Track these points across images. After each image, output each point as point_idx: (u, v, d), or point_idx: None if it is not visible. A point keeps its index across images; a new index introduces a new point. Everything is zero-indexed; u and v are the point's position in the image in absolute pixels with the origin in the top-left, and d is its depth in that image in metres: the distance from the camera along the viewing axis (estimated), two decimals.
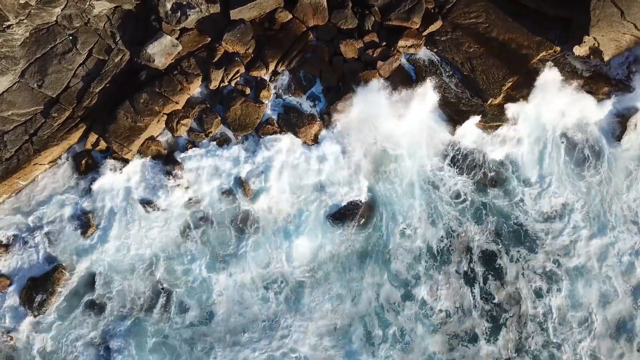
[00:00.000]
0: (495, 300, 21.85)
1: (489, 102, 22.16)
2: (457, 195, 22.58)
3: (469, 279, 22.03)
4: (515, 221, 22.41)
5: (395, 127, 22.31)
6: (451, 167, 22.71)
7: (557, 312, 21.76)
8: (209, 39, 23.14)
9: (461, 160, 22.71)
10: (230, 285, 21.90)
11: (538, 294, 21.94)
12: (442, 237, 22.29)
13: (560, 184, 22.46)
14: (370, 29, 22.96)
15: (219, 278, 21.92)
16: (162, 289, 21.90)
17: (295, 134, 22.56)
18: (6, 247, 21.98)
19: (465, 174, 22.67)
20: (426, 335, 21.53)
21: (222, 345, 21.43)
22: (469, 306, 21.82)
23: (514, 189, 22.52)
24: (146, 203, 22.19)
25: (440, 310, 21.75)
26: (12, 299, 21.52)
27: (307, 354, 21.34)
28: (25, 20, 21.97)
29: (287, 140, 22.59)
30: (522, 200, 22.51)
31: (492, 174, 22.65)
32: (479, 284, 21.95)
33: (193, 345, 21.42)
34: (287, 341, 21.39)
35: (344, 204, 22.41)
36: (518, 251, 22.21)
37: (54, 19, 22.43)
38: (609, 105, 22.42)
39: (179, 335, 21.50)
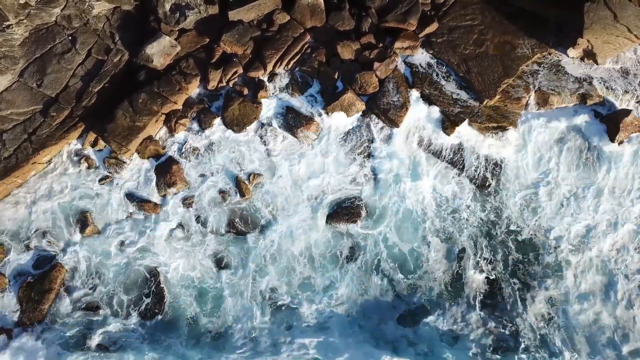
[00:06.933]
0: None
1: (484, 102, 22.41)
2: None
3: None
4: None
5: None
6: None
7: None
8: (208, 39, 23.32)
9: None
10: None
11: None
12: None
13: None
14: (367, 30, 23.17)
15: None
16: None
17: (293, 134, 22.75)
18: (4, 244, 22.05)
19: None
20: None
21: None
22: None
23: None
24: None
25: None
26: (10, 296, 21.57)
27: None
28: (24, 20, 22.11)
29: None
30: None
31: None
32: None
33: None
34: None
35: None
36: None
37: (54, 19, 22.59)
38: None
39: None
